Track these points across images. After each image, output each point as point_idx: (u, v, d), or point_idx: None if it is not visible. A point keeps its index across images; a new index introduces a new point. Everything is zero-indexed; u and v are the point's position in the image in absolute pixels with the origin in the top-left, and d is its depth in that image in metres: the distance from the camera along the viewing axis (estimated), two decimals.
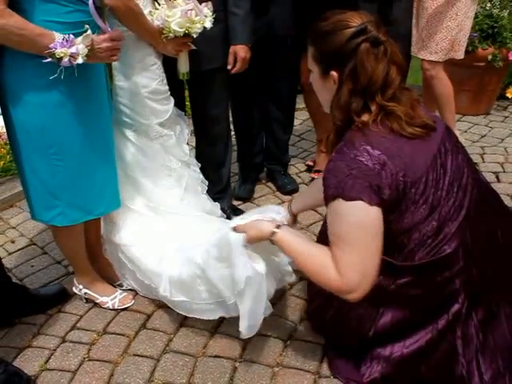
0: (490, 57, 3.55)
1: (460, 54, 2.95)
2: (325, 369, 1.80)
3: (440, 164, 1.50)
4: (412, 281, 1.51)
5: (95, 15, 1.57)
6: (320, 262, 1.51)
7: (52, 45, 1.50)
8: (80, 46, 1.52)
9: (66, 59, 1.51)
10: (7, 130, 1.80)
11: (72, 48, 1.50)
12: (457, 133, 3.21)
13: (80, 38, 1.53)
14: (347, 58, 1.43)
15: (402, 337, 1.58)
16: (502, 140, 3.48)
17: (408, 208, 1.46)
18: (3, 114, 1.77)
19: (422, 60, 2.97)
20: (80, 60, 1.53)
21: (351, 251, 1.44)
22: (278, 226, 1.62)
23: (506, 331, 1.57)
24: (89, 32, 1.55)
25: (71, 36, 1.52)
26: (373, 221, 1.42)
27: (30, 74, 1.60)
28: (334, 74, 1.47)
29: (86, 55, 1.55)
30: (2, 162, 2.94)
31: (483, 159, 3.22)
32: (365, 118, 1.46)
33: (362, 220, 1.42)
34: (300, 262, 1.57)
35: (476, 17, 3.48)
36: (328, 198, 1.46)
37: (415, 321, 1.55)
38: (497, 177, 3.00)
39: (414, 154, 1.45)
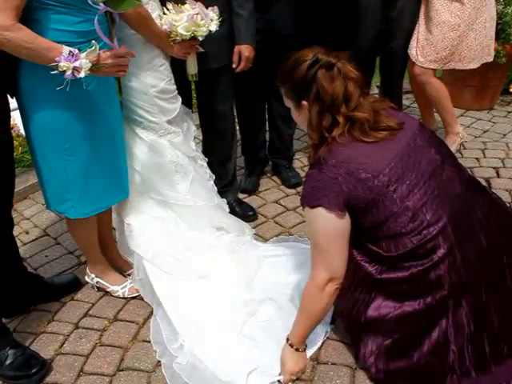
0: (493, 53, 3.58)
1: (461, 65, 2.97)
2: (323, 355, 1.90)
3: (408, 157, 1.65)
4: (398, 268, 1.64)
5: (100, 33, 1.65)
6: (307, 304, 1.79)
7: (57, 58, 1.57)
8: (84, 61, 1.58)
9: (68, 72, 1.57)
10: (24, 127, 1.91)
11: (76, 62, 1.56)
12: (459, 128, 3.27)
13: (85, 53, 1.60)
14: (310, 86, 1.65)
15: (392, 325, 1.68)
16: (504, 135, 3.52)
17: (379, 201, 1.62)
18: (21, 112, 1.87)
19: (413, 66, 3.00)
20: (83, 74, 1.59)
21: (318, 252, 1.73)
22: (291, 345, 1.81)
23: (494, 319, 1.64)
24: (94, 47, 1.62)
25: (76, 50, 1.59)
26: (333, 224, 1.65)
27: (43, 78, 1.68)
28: (304, 103, 1.71)
29: (91, 69, 1.61)
30: (15, 154, 3.02)
31: (484, 154, 3.27)
32: (335, 132, 1.65)
33: (323, 224, 1.67)
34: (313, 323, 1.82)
35: None
36: (302, 206, 1.74)
37: (404, 309, 1.65)
38: (497, 172, 3.06)
39: (374, 152, 1.64)
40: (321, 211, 1.64)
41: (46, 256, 2.55)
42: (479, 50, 2.96)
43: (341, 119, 1.65)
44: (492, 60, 3.10)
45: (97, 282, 2.24)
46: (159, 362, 1.90)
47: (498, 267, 1.68)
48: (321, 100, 1.65)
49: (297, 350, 1.81)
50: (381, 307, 1.69)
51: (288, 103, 1.80)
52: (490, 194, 1.84)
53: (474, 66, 3.01)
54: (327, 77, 1.64)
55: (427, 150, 1.69)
